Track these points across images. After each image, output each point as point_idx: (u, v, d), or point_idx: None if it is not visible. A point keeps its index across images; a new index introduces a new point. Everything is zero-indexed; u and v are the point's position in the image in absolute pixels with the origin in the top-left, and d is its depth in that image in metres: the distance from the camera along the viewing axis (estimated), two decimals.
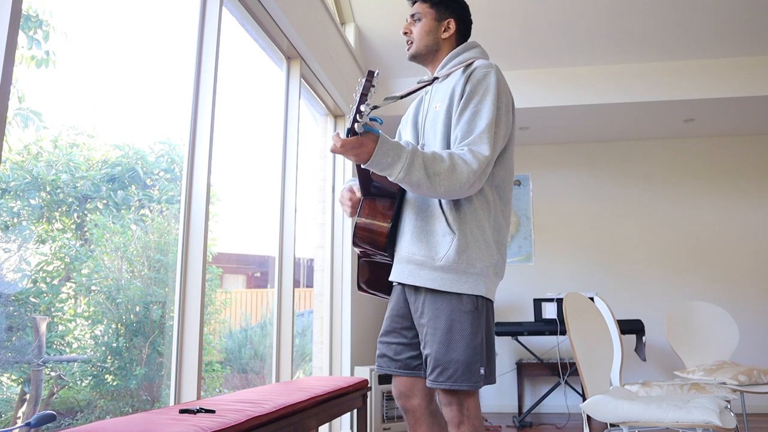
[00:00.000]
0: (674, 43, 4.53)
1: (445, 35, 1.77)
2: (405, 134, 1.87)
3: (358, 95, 1.34)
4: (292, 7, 3.13)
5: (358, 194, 1.76)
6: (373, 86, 1.34)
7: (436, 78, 1.74)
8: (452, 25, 1.77)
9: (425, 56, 1.78)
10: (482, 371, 1.57)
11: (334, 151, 1.46)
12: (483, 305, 1.60)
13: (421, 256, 1.60)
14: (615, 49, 4.63)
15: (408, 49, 1.78)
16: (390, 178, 1.51)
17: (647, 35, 4.45)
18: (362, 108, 1.35)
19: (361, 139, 1.44)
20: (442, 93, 1.70)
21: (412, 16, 1.78)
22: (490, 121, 1.56)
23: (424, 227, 1.62)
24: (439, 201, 1.61)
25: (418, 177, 1.48)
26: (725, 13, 4.17)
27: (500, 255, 1.65)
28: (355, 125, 1.39)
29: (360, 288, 1.84)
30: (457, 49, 1.76)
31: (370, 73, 1.33)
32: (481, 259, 1.59)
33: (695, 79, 4.71)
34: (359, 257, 1.80)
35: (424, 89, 1.83)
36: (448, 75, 1.73)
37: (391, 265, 1.75)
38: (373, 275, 1.81)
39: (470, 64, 1.68)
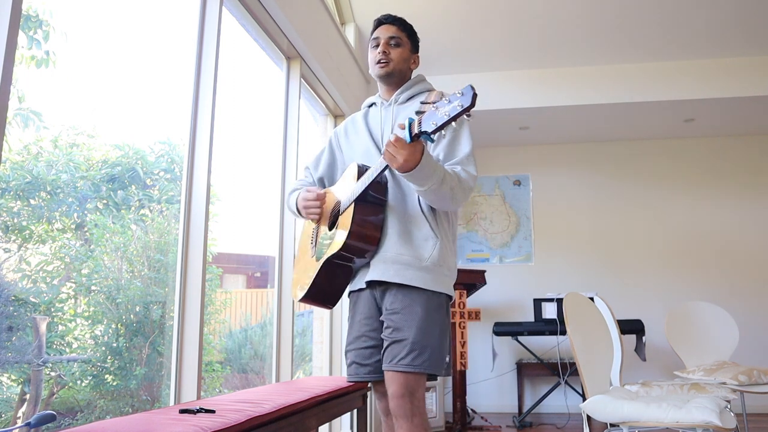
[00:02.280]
0: (674, 43, 4.53)
1: (413, 67, 1.96)
2: (352, 148, 1.96)
3: (459, 109, 1.37)
4: (292, 7, 3.13)
5: (321, 191, 1.87)
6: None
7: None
8: (417, 61, 1.96)
9: (395, 78, 1.90)
10: (447, 359, 1.72)
11: (386, 154, 1.53)
12: (448, 303, 1.78)
13: (408, 256, 1.71)
14: (615, 49, 4.63)
15: (382, 66, 1.87)
16: (420, 188, 1.60)
17: (647, 35, 4.45)
18: (454, 123, 1.40)
19: (415, 147, 1.52)
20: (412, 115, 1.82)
21: (392, 38, 1.88)
22: (472, 147, 1.77)
23: (408, 231, 1.74)
24: (421, 208, 1.74)
25: (445, 190, 1.62)
26: (725, 13, 4.17)
27: (456, 260, 1.86)
28: (434, 134, 1.43)
29: (306, 297, 1.84)
30: (415, 78, 1.95)
31: (476, 93, 1.36)
32: (451, 262, 1.79)
33: (695, 79, 4.71)
34: (327, 264, 1.78)
35: (373, 108, 1.98)
36: (409, 99, 1.89)
37: (349, 272, 1.83)
38: (328, 282, 1.83)
39: (450, 93, 1.80)
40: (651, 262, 5.51)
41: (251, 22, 2.98)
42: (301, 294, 1.87)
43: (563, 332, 4.51)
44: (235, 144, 3.36)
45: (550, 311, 4.75)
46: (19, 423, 2.00)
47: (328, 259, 1.76)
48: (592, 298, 3.17)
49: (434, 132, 1.42)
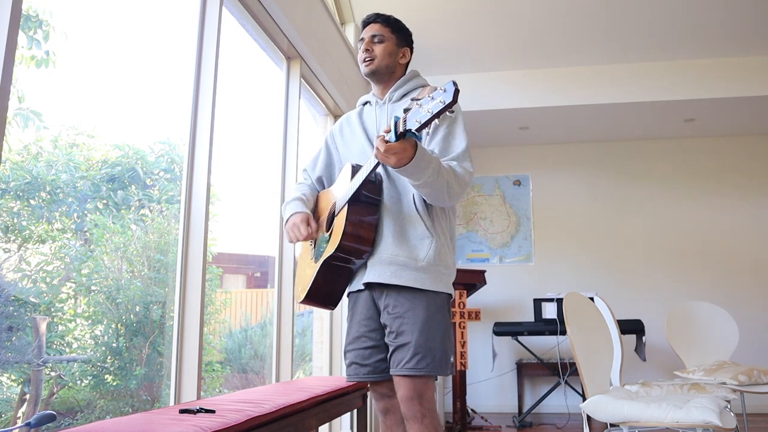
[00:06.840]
0: (674, 43, 4.53)
1: (402, 61, 1.92)
2: (348, 148, 1.95)
3: (441, 105, 1.33)
4: (292, 7, 3.13)
5: (313, 225, 1.83)
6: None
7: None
8: (407, 54, 1.93)
9: (383, 75, 1.88)
10: (451, 359, 1.75)
11: (378, 155, 1.51)
12: (449, 301, 1.77)
13: (404, 257, 1.70)
14: (615, 49, 4.63)
15: (367, 65, 1.86)
16: (415, 182, 1.59)
17: (647, 35, 4.45)
18: (437, 120, 1.37)
19: (405, 144, 1.49)
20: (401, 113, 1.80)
21: (374, 36, 1.86)
22: (468, 143, 1.76)
23: (403, 231, 1.73)
24: (416, 207, 1.73)
25: (441, 183, 1.60)
26: (726, 13, 4.17)
27: (454, 258, 1.84)
28: (422, 131, 1.40)
29: (307, 299, 1.83)
30: (408, 74, 1.92)
31: (457, 89, 1.33)
32: (449, 260, 1.77)
33: (695, 79, 4.71)
34: (325, 266, 1.77)
35: (368, 106, 1.97)
36: (404, 96, 1.86)
37: (349, 273, 1.81)
38: (327, 284, 1.82)
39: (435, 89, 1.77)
40: (651, 262, 5.51)
41: (251, 22, 2.98)
42: (302, 295, 1.87)
43: (563, 332, 4.51)
44: (235, 144, 3.36)
45: (550, 311, 4.75)
46: (19, 423, 2.00)
47: (325, 261, 1.75)
48: (592, 298, 3.17)
49: (419, 130, 1.40)
